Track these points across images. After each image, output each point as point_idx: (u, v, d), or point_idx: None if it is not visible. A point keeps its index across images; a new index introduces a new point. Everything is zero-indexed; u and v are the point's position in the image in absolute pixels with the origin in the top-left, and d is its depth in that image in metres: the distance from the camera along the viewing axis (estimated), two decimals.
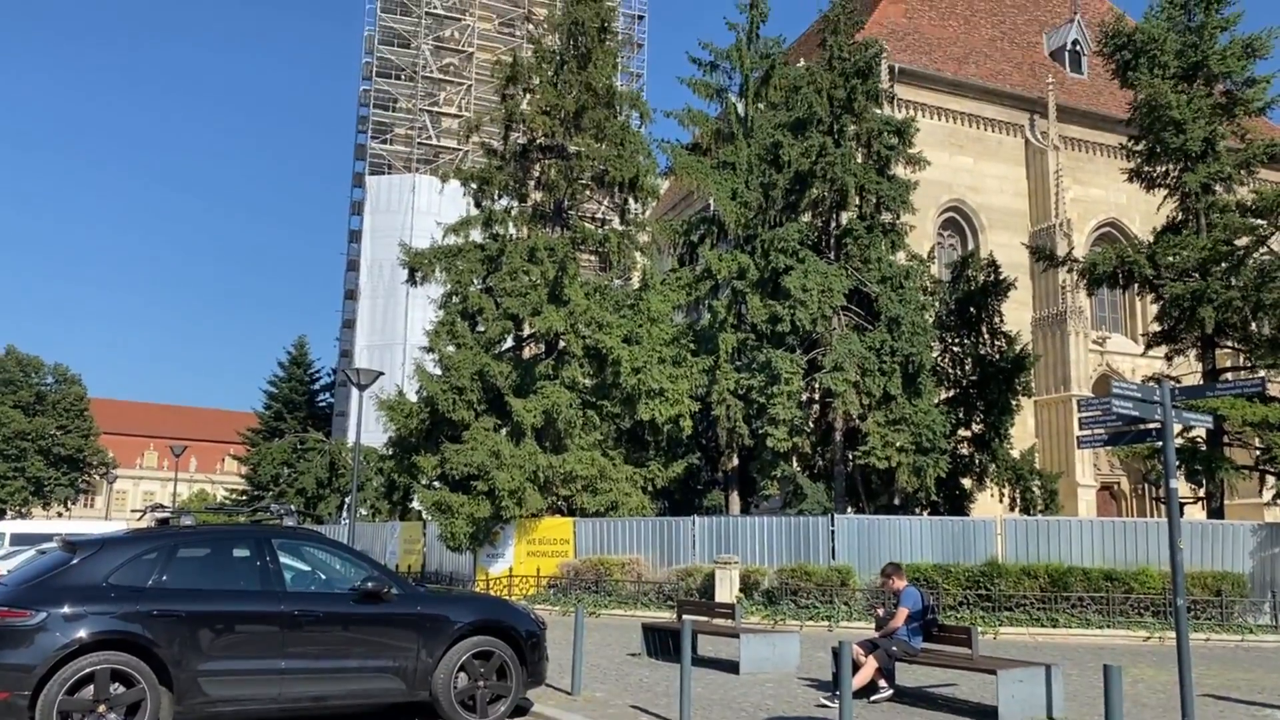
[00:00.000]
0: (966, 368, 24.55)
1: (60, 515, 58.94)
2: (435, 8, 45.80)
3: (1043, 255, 24.82)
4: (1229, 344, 22.10)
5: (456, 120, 42.00)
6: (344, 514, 33.41)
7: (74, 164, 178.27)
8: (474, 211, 25.39)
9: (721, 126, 27.94)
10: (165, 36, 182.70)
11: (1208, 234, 21.20)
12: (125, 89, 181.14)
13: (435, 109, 47.01)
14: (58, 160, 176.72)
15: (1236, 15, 22.08)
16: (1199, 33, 21.87)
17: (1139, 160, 22.69)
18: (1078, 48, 38.96)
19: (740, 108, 27.40)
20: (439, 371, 23.63)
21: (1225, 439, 20.77)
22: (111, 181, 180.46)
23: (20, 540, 20.84)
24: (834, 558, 18.49)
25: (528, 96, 25.60)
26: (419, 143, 46.10)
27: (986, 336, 24.55)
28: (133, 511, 26.68)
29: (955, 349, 24.78)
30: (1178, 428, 11.70)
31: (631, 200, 25.68)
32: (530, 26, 43.32)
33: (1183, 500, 18.55)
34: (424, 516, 25.33)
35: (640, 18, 48.41)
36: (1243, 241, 20.88)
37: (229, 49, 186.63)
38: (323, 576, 8.01)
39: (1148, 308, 30.67)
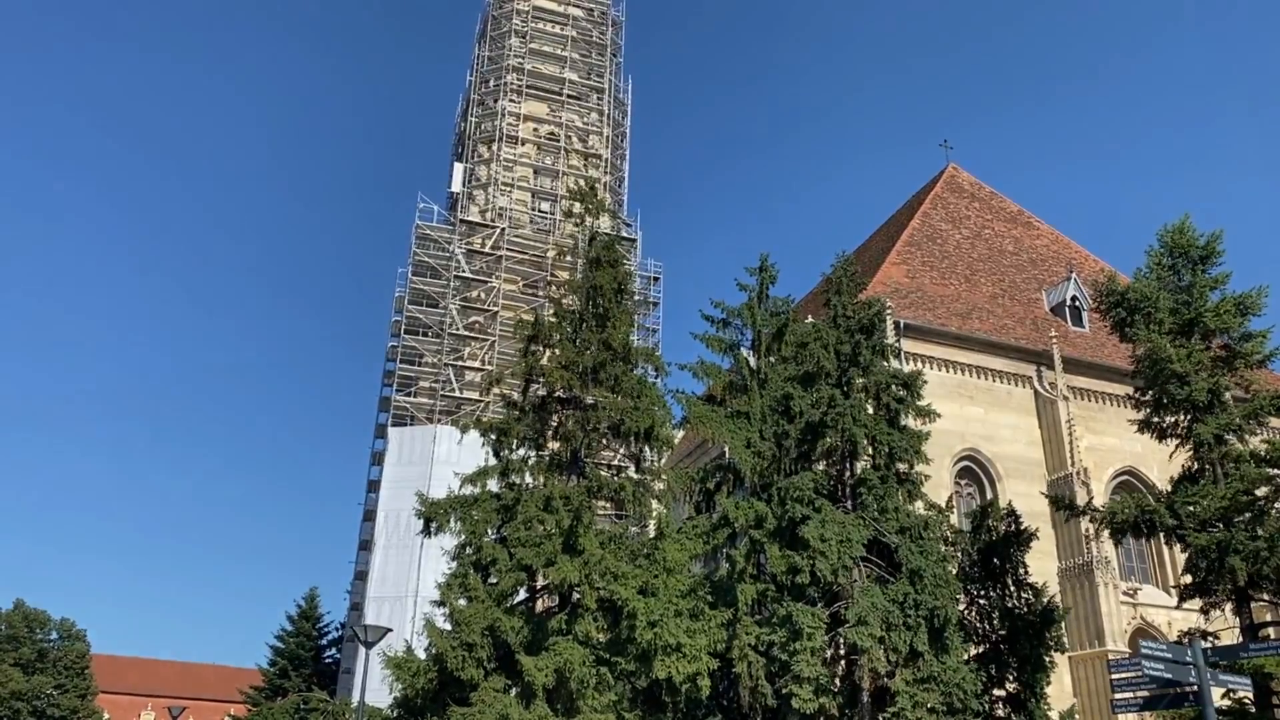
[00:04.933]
0: (994, 621, 23.71)
1: None
2: (464, 272, 48.70)
3: (1062, 505, 24.66)
4: (1264, 596, 21.40)
5: (479, 374, 43.52)
6: None
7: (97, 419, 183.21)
8: (492, 461, 25.74)
9: (734, 378, 28.77)
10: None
11: (1225, 484, 21.11)
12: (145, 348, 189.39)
13: (459, 363, 48.78)
14: (72, 411, 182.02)
15: (1225, 275, 23.19)
16: (1190, 291, 22.88)
17: (1147, 411, 23.04)
18: (1077, 303, 40.60)
19: (752, 361, 28.33)
20: (449, 626, 23.02)
21: (1275, 699, 19.61)
22: (126, 431, 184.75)
23: None
24: None
25: (548, 352, 26.67)
26: (442, 395, 47.48)
27: (1013, 588, 23.90)
28: None
29: (981, 601, 24.06)
30: (1218, 690, 11.14)
31: (647, 449, 26.04)
32: (552, 288, 45.79)
33: None
34: None
35: (656, 279, 51.16)
36: (1262, 491, 20.74)
37: (257, 318, 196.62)
38: None
39: (1176, 557, 29.97)
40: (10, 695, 53.29)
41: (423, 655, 23.29)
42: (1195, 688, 8.23)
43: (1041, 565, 29.19)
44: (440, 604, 23.94)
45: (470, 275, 49.69)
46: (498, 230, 48.80)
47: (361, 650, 26.70)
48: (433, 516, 24.91)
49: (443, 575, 24.95)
